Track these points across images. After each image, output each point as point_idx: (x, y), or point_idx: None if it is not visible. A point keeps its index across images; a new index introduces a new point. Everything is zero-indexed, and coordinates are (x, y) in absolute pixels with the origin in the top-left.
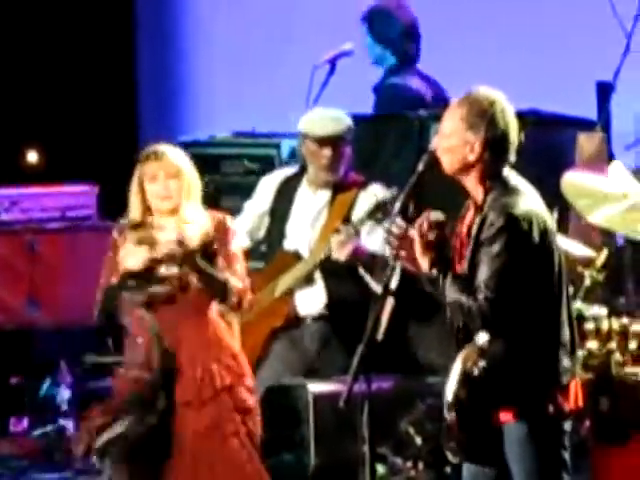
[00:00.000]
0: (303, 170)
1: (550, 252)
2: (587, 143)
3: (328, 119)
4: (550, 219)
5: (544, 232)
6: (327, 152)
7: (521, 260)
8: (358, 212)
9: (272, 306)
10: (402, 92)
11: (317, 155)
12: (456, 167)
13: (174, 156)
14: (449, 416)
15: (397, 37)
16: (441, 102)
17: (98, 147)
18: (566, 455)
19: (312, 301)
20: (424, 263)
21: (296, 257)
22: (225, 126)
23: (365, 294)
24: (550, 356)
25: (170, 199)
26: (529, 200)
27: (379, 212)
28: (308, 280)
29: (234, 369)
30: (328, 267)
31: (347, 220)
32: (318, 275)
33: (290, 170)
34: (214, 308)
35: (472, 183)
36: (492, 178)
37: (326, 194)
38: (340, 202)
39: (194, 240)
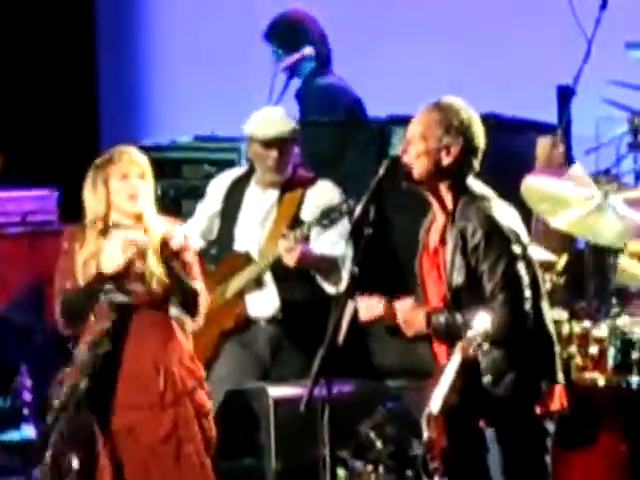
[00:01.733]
0: (252, 170)
1: (527, 251)
2: (546, 146)
3: (273, 121)
4: (519, 223)
5: (519, 235)
6: (273, 154)
7: (515, 258)
8: (307, 210)
9: (223, 308)
10: (340, 92)
11: (263, 157)
12: (428, 171)
13: (142, 158)
14: (430, 432)
15: (310, 41)
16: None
17: (58, 151)
18: (547, 459)
19: (263, 303)
20: (419, 324)
21: (246, 258)
22: (186, 130)
23: (317, 296)
24: (548, 353)
25: (137, 200)
26: (498, 206)
27: (327, 219)
28: (258, 282)
29: (195, 373)
30: (279, 270)
31: (296, 219)
32: (269, 277)
33: (239, 170)
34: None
35: (440, 190)
36: (461, 185)
37: (274, 193)
38: (288, 201)
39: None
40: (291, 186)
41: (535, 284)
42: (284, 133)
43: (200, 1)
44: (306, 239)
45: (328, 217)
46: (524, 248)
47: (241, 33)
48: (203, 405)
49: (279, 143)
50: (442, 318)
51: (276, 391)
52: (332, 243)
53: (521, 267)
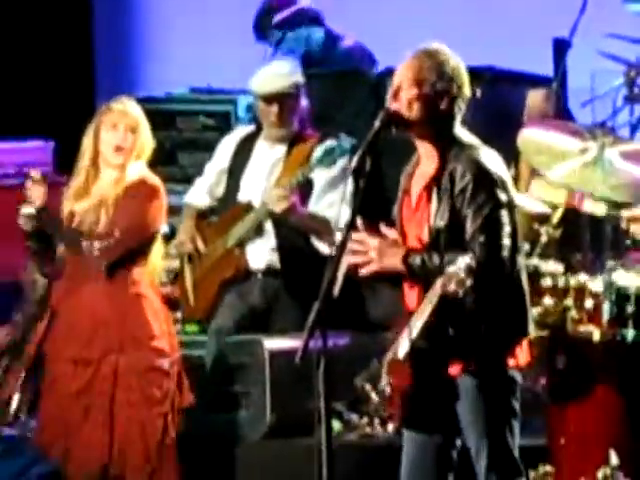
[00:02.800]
0: (260, 128)
1: (513, 201)
2: (536, 99)
3: (273, 76)
4: (506, 173)
5: (505, 182)
6: (274, 109)
7: (501, 204)
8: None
9: (223, 257)
10: (358, 52)
11: (265, 112)
12: (421, 117)
13: (136, 111)
14: (390, 377)
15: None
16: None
17: (54, 103)
18: (517, 405)
19: (263, 254)
20: (394, 259)
21: (248, 207)
22: (181, 82)
23: (315, 249)
24: (521, 306)
25: (122, 152)
26: (489, 155)
27: (330, 157)
28: (259, 231)
29: (138, 328)
30: (280, 220)
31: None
32: (270, 228)
33: (249, 128)
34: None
35: (429, 137)
36: (451, 133)
37: (282, 148)
38: (296, 156)
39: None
40: (299, 142)
41: (514, 236)
42: (284, 88)
43: None
44: (295, 190)
45: (331, 156)
46: (509, 196)
47: None
48: (144, 362)
49: (279, 98)
50: (418, 259)
51: (272, 343)
52: (330, 204)
53: (505, 214)
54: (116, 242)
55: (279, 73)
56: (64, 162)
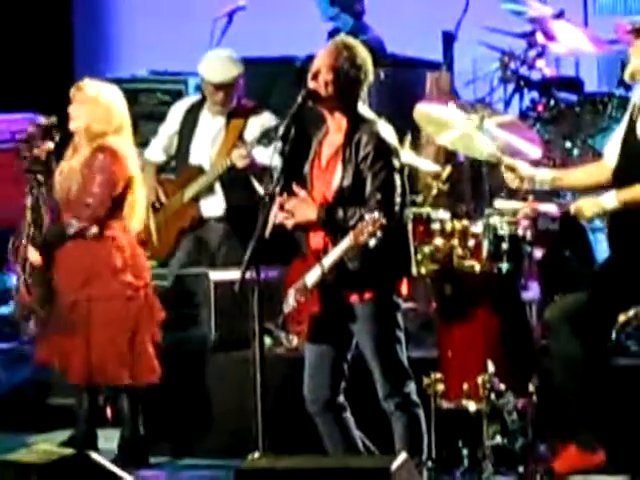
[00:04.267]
0: (204, 98)
1: (403, 166)
2: (434, 81)
3: (222, 67)
4: (397, 142)
5: (399, 151)
6: (220, 95)
7: (395, 173)
8: (249, 133)
9: (181, 210)
10: (378, 46)
11: (212, 95)
12: (333, 96)
13: (88, 87)
14: (297, 299)
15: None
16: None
17: (38, 81)
18: (401, 324)
19: (214, 206)
20: (307, 213)
21: (199, 170)
22: (143, 65)
23: (256, 201)
24: (406, 250)
25: (73, 120)
26: (384, 128)
27: (265, 138)
28: (210, 189)
29: (107, 265)
30: (226, 178)
31: (240, 139)
32: (218, 185)
33: (194, 98)
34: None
35: (338, 112)
36: (355, 110)
37: (222, 120)
38: (233, 126)
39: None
40: (236, 113)
41: (403, 195)
42: (230, 79)
43: None
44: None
45: (267, 137)
46: (401, 162)
47: None
48: (111, 290)
49: (225, 86)
50: (324, 212)
51: (216, 275)
52: (269, 156)
53: (397, 178)
54: (87, 218)
55: (226, 65)
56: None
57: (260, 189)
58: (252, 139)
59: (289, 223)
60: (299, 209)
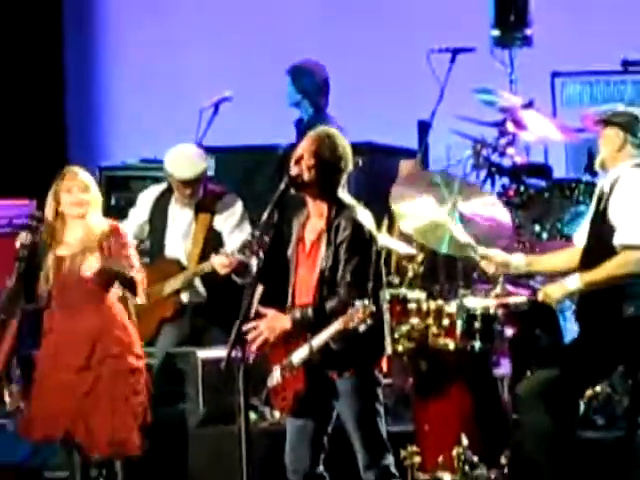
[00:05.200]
0: (171, 188)
1: (379, 249)
2: (406, 167)
3: (189, 164)
4: (374, 226)
5: (375, 236)
6: (188, 190)
7: (370, 258)
8: (218, 221)
9: (161, 302)
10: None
11: (180, 189)
12: (314, 181)
13: (85, 176)
14: (283, 375)
15: (313, 91)
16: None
17: (32, 168)
18: (382, 399)
19: (194, 294)
20: (282, 325)
21: (177, 264)
22: (133, 152)
23: (231, 292)
24: (380, 332)
25: (80, 206)
26: (362, 213)
27: (245, 248)
28: (189, 285)
29: (123, 340)
30: (207, 277)
31: (211, 230)
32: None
33: (162, 186)
34: (113, 294)
35: (319, 197)
36: (333, 194)
37: (190, 212)
38: (203, 217)
39: (94, 239)
40: (203, 204)
41: (379, 276)
42: (197, 175)
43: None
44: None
45: (246, 248)
46: (376, 246)
47: (176, 78)
48: (131, 364)
49: (193, 182)
50: (298, 313)
51: (203, 353)
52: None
53: (371, 262)
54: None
55: (193, 161)
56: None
57: (239, 280)
58: (233, 249)
59: (271, 340)
60: (274, 325)
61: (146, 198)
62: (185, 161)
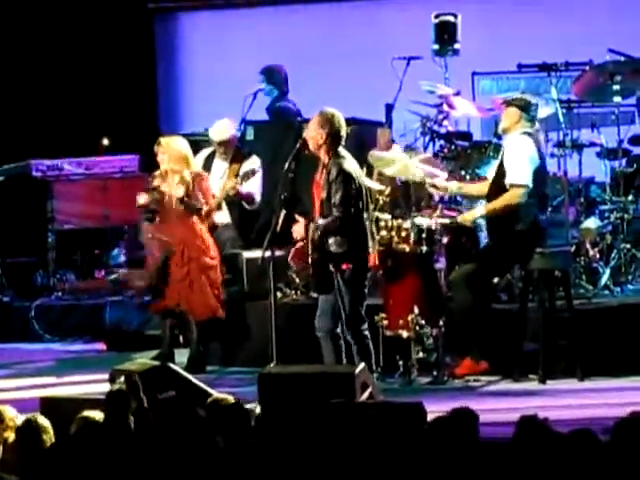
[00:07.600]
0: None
1: (361, 185)
2: (381, 134)
3: (220, 130)
4: (359, 170)
5: (357, 177)
6: (220, 150)
7: (351, 190)
8: (242, 171)
9: None
10: (287, 110)
11: (217, 148)
12: (318, 145)
13: (166, 141)
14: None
15: (279, 81)
16: (300, 115)
17: (136, 136)
18: (366, 284)
19: (221, 216)
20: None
21: (213, 196)
22: (202, 124)
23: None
24: (364, 239)
25: (162, 164)
26: (349, 162)
27: (247, 176)
28: (218, 206)
29: (201, 246)
30: (228, 201)
31: (236, 176)
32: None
33: (211, 148)
34: (194, 217)
35: (323, 154)
36: (332, 151)
37: (225, 164)
38: (233, 168)
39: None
40: (235, 158)
41: (361, 203)
42: (225, 138)
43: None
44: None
45: (247, 175)
46: (357, 183)
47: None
48: (206, 263)
49: (223, 144)
50: (313, 225)
51: (246, 254)
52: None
53: (353, 194)
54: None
55: (223, 129)
56: (147, 166)
57: (248, 207)
58: (239, 176)
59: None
60: (300, 229)
61: (201, 156)
62: (217, 129)
